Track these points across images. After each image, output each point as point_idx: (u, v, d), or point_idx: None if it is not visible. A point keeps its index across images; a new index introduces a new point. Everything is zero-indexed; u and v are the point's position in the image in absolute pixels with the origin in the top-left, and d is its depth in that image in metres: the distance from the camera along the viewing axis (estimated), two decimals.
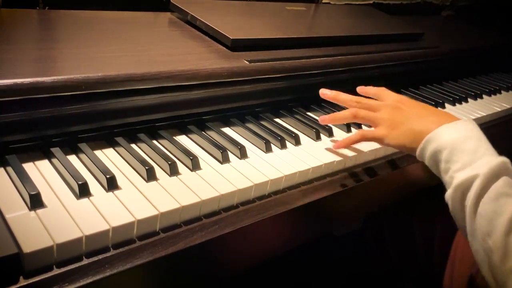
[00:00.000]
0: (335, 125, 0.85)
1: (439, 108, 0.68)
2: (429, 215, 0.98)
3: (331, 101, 0.77)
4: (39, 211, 0.49)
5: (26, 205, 0.49)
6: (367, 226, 1.16)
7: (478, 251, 0.55)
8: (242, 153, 0.68)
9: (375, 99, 0.75)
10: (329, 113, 0.87)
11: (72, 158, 0.60)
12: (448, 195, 0.57)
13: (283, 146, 0.73)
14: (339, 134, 0.82)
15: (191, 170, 0.62)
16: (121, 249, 0.49)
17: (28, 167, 0.57)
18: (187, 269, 0.56)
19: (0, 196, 0.50)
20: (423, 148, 0.61)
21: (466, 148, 0.56)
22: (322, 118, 0.75)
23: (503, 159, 0.55)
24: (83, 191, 0.53)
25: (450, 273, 0.94)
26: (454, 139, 0.58)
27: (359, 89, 0.80)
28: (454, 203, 0.56)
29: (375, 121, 0.69)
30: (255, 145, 0.73)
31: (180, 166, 0.62)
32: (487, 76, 1.38)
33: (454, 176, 0.56)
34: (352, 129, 0.85)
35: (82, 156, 0.60)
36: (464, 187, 0.54)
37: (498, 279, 0.52)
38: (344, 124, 0.84)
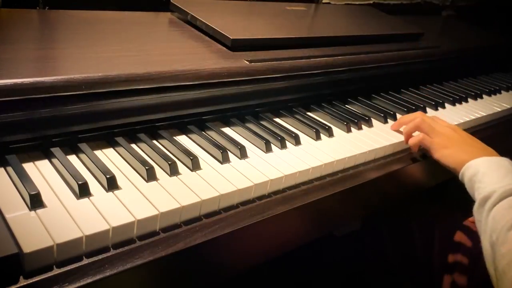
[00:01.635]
0: (335, 125, 0.85)
1: (471, 137, 0.81)
2: (429, 216, 0.98)
3: (398, 127, 0.88)
4: (39, 211, 0.49)
5: (26, 205, 0.49)
6: (366, 227, 1.16)
7: (485, 247, 0.64)
8: (242, 153, 0.68)
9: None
10: (330, 113, 0.88)
11: (72, 158, 0.60)
12: (475, 206, 0.68)
13: (283, 146, 0.73)
14: (339, 134, 0.82)
15: (191, 170, 0.62)
16: (121, 249, 0.49)
17: (28, 167, 0.56)
18: (187, 269, 0.56)
19: (0, 196, 0.50)
20: (463, 172, 0.73)
21: (497, 174, 0.68)
22: (392, 126, 0.89)
23: None
24: (83, 191, 0.53)
25: (450, 274, 0.94)
26: (490, 165, 0.70)
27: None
28: (477, 211, 0.67)
29: (434, 133, 0.80)
30: (255, 145, 0.73)
31: (180, 166, 0.62)
32: (487, 76, 1.38)
33: (481, 191, 0.67)
34: (353, 129, 0.85)
35: (82, 156, 0.60)
36: (486, 197, 0.66)
37: (499, 268, 0.59)
38: (344, 124, 0.84)
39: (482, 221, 0.66)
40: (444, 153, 0.78)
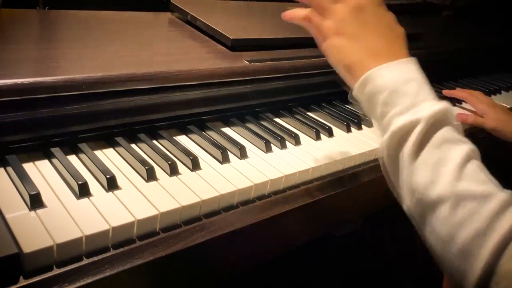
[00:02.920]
0: (335, 125, 0.85)
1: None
2: None
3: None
4: (39, 211, 0.49)
5: (26, 205, 0.49)
6: (366, 226, 1.16)
7: (415, 208, 0.49)
8: (242, 153, 0.68)
9: None
10: (330, 113, 0.88)
11: (72, 158, 0.60)
12: (384, 141, 0.51)
13: (283, 146, 0.73)
14: (339, 134, 0.82)
15: (191, 170, 0.62)
16: (121, 249, 0.49)
17: (28, 167, 0.56)
18: (187, 269, 0.56)
19: (0, 196, 0.50)
20: (361, 84, 0.53)
21: (407, 90, 0.50)
22: (283, 14, 0.60)
23: (446, 104, 0.50)
24: (83, 191, 0.53)
25: None
26: (395, 80, 0.51)
27: None
28: (389, 151, 0.50)
29: (327, 11, 0.56)
30: (255, 145, 0.73)
31: (180, 166, 0.62)
32: (487, 76, 1.38)
33: (393, 120, 0.49)
34: (353, 129, 0.85)
35: (82, 156, 0.60)
36: (403, 132, 0.49)
37: (452, 233, 0.45)
38: (344, 124, 0.84)
39: (401, 170, 0.50)
40: (332, 43, 0.55)
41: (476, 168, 0.47)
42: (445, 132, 0.48)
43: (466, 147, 0.48)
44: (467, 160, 0.47)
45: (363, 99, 0.53)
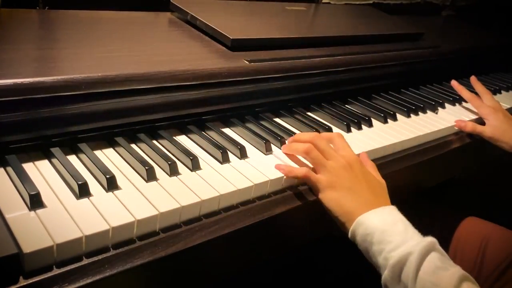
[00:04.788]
0: (335, 125, 0.85)
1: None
2: (428, 216, 0.98)
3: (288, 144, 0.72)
4: (39, 211, 0.49)
5: (26, 205, 0.49)
6: None
7: None
8: (242, 153, 0.68)
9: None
10: (330, 113, 0.88)
11: (72, 158, 0.60)
12: (386, 275, 0.58)
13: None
14: None
15: (191, 170, 0.62)
16: (121, 249, 0.49)
17: (28, 167, 0.57)
18: (187, 269, 0.56)
19: (0, 196, 0.50)
20: (354, 230, 0.61)
21: (396, 230, 0.58)
22: (283, 147, 0.72)
23: (431, 238, 0.58)
24: (83, 191, 0.53)
25: None
26: (383, 222, 0.59)
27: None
28: (392, 281, 0.57)
29: (322, 167, 0.65)
30: (255, 145, 0.73)
31: (180, 166, 0.62)
32: (487, 76, 1.38)
33: (389, 256, 0.57)
34: (353, 129, 0.85)
35: (82, 156, 0.60)
36: (402, 264, 0.56)
37: None
38: (344, 124, 0.84)
39: None
40: (329, 196, 0.64)
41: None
42: (434, 260, 0.55)
43: (456, 270, 0.56)
44: (460, 282, 0.54)
45: (358, 239, 0.61)
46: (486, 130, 0.97)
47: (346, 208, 0.62)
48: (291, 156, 0.71)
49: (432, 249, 0.56)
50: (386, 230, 0.58)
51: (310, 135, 0.69)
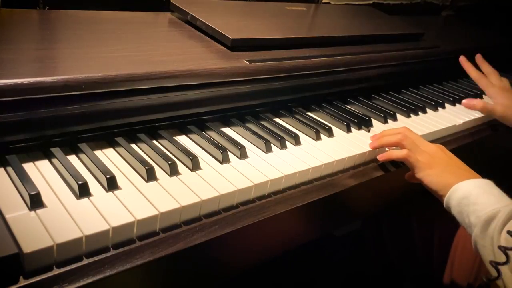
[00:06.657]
0: (335, 125, 0.85)
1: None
2: (428, 216, 0.98)
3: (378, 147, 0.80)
4: (39, 211, 0.49)
5: (26, 205, 0.49)
6: (366, 226, 1.16)
7: (506, 273, 0.61)
8: (242, 153, 0.68)
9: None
10: (330, 113, 0.88)
11: (72, 158, 0.60)
12: (476, 231, 0.63)
13: (283, 146, 0.73)
14: (339, 134, 0.82)
15: (191, 170, 0.62)
16: (121, 249, 0.49)
17: (28, 167, 0.57)
18: (187, 269, 0.56)
19: (0, 196, 0.50)
20: (450, 195, 0.69)
21: (491, 195, 0.65)
22: (372, 145, 0.80)
23: None
24: (83, 191, 0.53)
25: (450, 273, 0.94)
26: (480, 187, 0.67)
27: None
28: (481, 235, 0.63)
29: (417, 150, 0.75)
30: (255, 145, 0.73)
31: (180, 166, 0.62)
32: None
33: (482, 214, 0.63)
34: (352, 129, 0.85)
35: (82, 156, 0.60)
36: (491, 219, 0.62)
37: None
38: (344, 124, 0.84)
39: (487, 246, 0.62)
40: (429, 173, 0.73)
41: None
42: None
43: None
44: None
45: (453, 203, 0.68)
46: (497, 109, 0.97)
47: (445, 182, 0.70)
48: None
49: None
50: (481, 194, 0.65)
51: (398, 129, 0.80)
